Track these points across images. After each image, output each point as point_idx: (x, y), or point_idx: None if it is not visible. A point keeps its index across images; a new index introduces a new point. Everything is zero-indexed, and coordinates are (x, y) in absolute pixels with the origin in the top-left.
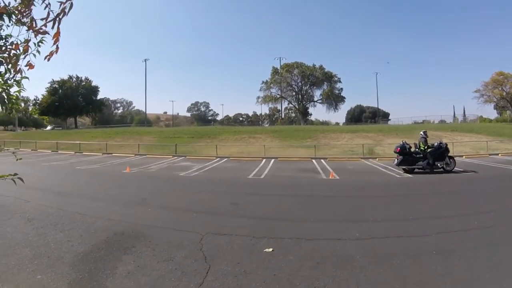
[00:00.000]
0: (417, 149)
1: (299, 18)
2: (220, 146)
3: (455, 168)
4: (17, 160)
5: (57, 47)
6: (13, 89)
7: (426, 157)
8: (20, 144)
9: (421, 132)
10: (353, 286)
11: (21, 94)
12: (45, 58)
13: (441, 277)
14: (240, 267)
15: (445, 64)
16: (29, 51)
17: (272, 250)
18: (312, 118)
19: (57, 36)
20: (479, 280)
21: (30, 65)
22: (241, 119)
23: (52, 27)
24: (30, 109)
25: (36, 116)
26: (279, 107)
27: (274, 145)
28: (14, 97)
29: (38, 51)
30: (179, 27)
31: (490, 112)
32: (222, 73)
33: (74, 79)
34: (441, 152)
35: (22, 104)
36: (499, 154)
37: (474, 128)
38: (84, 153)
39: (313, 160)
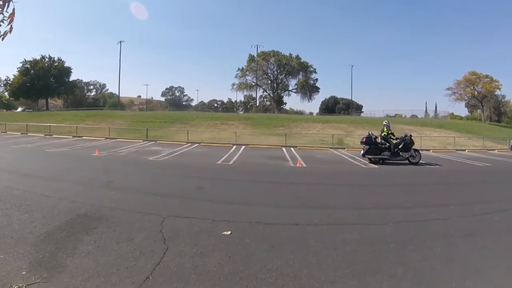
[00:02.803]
0: (382, 140)
1: (279, 6)
2: (192, 131)
3: (420, 161)
4: None
5: (11, 27)
6: None
7: (391, 148)
8: None
9: (385, 122)
10: (304, 269)
11: None
12: None
13: (394, 265)
14: (197, 249)
15: (420, 60)
16: None
17: (230, 233)
18: (287, 107)
19: (11, 16)
20: (431, 270)
21: None
22: (216, 105)
23: (2, 8)
24: (1, 90)
25: None
26: (254, 95)
27: (246, 132)
28: None
29: None
30: (156, 9)
31: (461, 110)
32: (198, 59)
33: (47, 59)
34: (405, 143)
35: None
36: (466, 150)
37: (444, 124)
38: (54, 135)
39: (283, 148)
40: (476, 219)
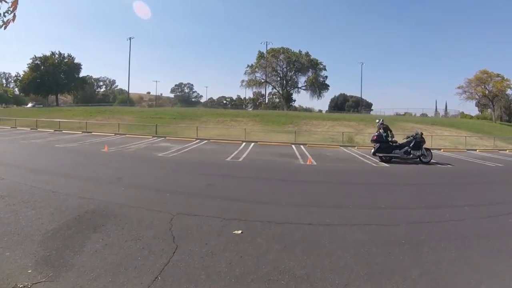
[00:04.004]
0: (393, 138)
1: (288, 2)
2: (201, 128)
3: (431, 160)
4: None
5: (14, 15)
6: None
7: (402, 146)
8: None
9: (380, 121)
10: (317, 271)
11: None
12: (0, 26)
13: (408, 267)
14: (208, 248)
15: (430, 58)
16: None
17: (241, 232)
18: (296, 104)
19: (14, 4)
20: (447, 273)
21: None
22: (225, 102)
23: None
24: (11, 85)
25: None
26: (263, 92)
27: (255, 129)
28: None
29: (3, 21)
30: (166, 5)
31: (472, 109)
32: (208, 55)
33: (57, 55)
34: (416, 141)
35: None
36: (477, 150)
37: (455, 123)
38: (63, 131)
39: (293, 146)
40: (491, 221)
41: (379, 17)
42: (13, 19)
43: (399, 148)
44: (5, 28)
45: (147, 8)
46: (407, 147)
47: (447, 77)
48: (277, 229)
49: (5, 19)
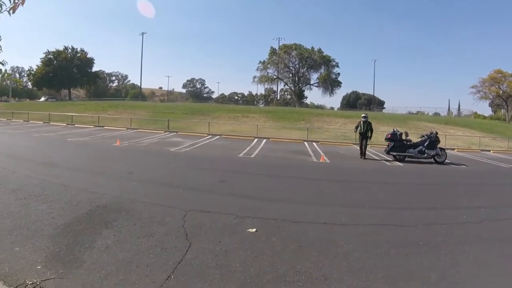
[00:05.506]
0: (407, 137)
1: None
2: (213, 123)
3: (446, 160)
4: None
5: None
6: None
7: (416, 145)
8: (13, 114)
9: (363, 115)
10: (335, 272)
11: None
12: (9, 10)
13: (427, 269)
14: (221, 247)
15: (444, 57)
16: (3, 8)
17: (256, 231)
18: (308, 101)
19: None
20: (465, 276)
21: None
22: (236, 98)
23: None
24: (25, 79)
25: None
26: (275, 88)
27: (267, 125)
28: None
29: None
30: (179, 1)
31: (485, 109)
32: (220, 51)
33: (70, 50)
34: (431, 140)
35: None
36: (491, 151)
37: (468, 123)
38: (76, 125)
39: (305, 143)
40: (508, 223)
41: (393, 15)
42: (22, 3)
43: (413, 147)
44: (13, 12)
45: (151, 6)
46: (421, 147)
47: (461, 77)
48: (292, 228)
49: (12, 2)
